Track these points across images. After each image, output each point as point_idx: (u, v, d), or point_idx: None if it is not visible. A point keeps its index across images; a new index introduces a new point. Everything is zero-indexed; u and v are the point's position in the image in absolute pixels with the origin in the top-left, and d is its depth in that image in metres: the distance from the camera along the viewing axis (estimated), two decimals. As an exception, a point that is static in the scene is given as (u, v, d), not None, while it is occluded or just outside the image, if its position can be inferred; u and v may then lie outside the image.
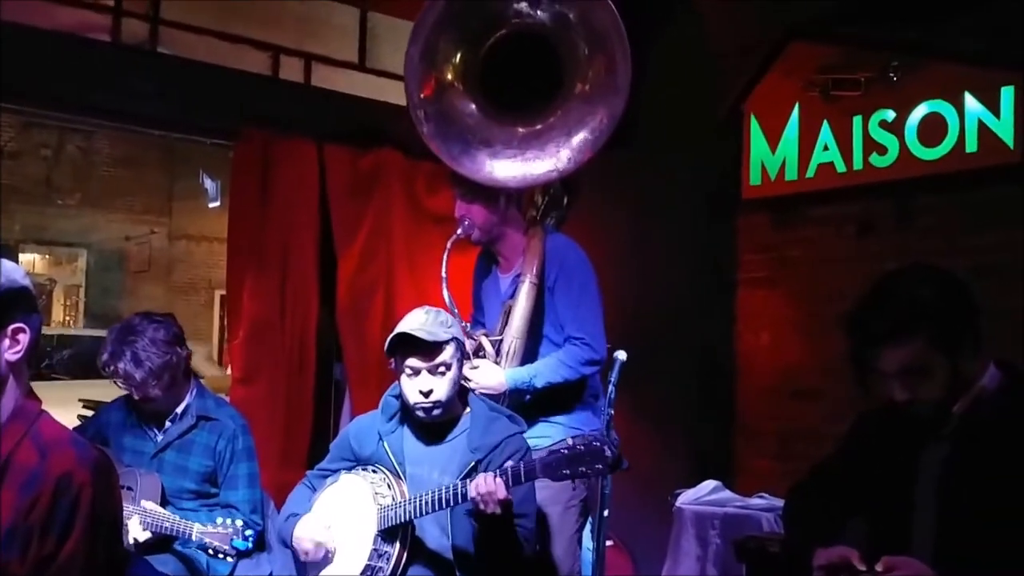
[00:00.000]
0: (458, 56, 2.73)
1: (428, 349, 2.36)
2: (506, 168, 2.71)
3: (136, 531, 2.65)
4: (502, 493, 2.13)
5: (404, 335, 2.36)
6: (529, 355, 2.76)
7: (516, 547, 2.29)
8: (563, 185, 2.97)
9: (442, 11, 2.68)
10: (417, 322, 2.40)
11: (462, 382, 2.50)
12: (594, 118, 2.63)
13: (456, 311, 2.76)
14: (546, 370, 2.68)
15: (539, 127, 2.72)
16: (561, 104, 2.69)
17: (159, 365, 2.73)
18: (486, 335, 2.83)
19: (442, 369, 2.36)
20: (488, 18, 2.69)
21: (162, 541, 2.72)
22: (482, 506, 2.16)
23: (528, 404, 2.66)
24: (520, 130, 2.74)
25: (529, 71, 2.71)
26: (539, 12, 2.64)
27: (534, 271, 2.74)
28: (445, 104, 2.74)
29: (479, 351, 2.77)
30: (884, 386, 1.86)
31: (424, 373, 2.36)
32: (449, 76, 2.75)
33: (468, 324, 2.86)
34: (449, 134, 2.74)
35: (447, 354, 2.37)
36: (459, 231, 2.83)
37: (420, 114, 2.74)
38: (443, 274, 2.80)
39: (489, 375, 2.65)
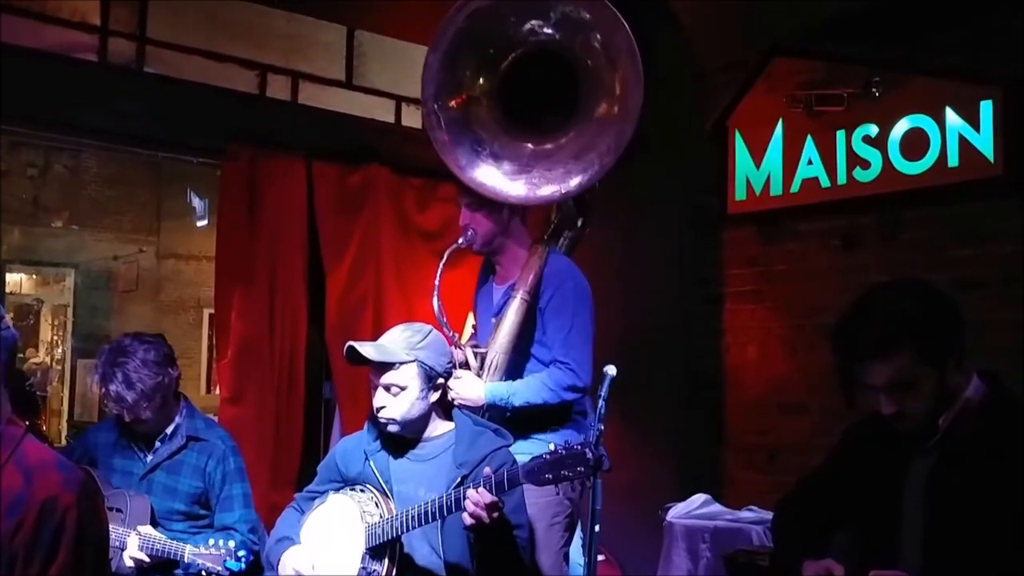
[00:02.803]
0: (478, 68, 2.76)
1: (378, 366, 2.36)
2: (511, 183, 2.73)
3: (134, 550, 2.63)
4: (488, 498, 2.13)
5: (350, 347, 2.36)
6: (515, 372, 2.76)
7: (517, 556, 2.29)
8: (577, 207, 2.98)
9: (463, 24, 2.70)
10: (383, 338, 2.42)
11: (449, 395, 2.50)
12: (603, 142, 2.65)
13: (445, 320, 2.76)
14: (526, 389, 2.67)
15: (550, 146, 2.74)
16: (574, 126, 2.71)
17: (151, 386, 2.71)
18: (474, 347, 2.84)
19: (394, 390, 2.36)
20: (505, 35, 2.72)
21: (160, 566, 2.69)
22: (473, 518, 2.14)
23: (514, 421, 2.66)
24: (531, 147, 2.76)
25: (548, 92, 2.74)
26: (553, 31, 2.67)
27: (527, 287, 2.74)
28: (460, 113, 2.76)
29: (465, 363, 2.77)
30: (871, 399, 1.87)
31: (380, 389, 2.37)
32: (467, 87, 2.77)
33: (457, 335, 2.85)
34: (460, 143, 2.75)
35: (401, 376, 2.35)
36: (460, 240, 2.83)
37: (433, 120, 2.76)
38: (436, 282, 2.80)
39: (469, 387, 2.65)
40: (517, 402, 2.66)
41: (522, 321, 2.73)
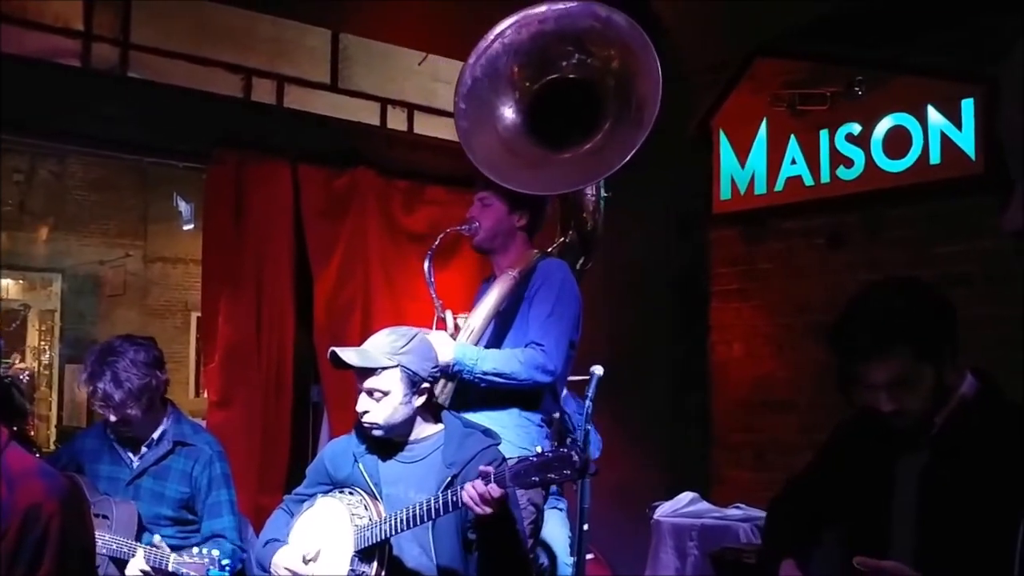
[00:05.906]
0: (518, 76, 2.81)
1: (361, 371, 2.36)
2: (523, 179, 2.76)
3: (142, 563, 2.62)
4: (496, 492, 2.11)
5: (332, 353, 2.37)
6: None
7: (524, 545, 2.30)
8: (582, 240, 2.98)
9: (515, 38, 2.76)
10: (367, 342, 2.41)
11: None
12: (616, 154, 2.70)
13: (432, 280, 2.76)
14: (497, 357, 2.65)
15: (567, 156, 2.78)
16: (591, 140, 2.75)
17: (139, 386, 2.71)
18: (455, 316, 2.83)
19: (377, 395, 2.35)
20: (549, 60, 2.80)
21: None
22: (481, 508, 2.13)
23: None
24: (545, 153, 2.80)
25: (571, 105, 2.79)
26: (595, 65, 2.75)
27: (519, 268, 2.76)
28: (487, 109, 2.80)
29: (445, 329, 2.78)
30: (870, 397, 1.87)
31: (363, 393, 2.37)
32: (502, 89, 2.81)
33: (441, 302, 2.84)
34: (482, 136, 2.78)
35: (383, 381, 2.34)
36: (463, 226, 2.84)
37: (462, 107, 2.79)
38: (431, 248, 2.80)
39: (439, 347, 2.64)
40: (485, 367, 2.62)
41: (506, 294, 2.74)
